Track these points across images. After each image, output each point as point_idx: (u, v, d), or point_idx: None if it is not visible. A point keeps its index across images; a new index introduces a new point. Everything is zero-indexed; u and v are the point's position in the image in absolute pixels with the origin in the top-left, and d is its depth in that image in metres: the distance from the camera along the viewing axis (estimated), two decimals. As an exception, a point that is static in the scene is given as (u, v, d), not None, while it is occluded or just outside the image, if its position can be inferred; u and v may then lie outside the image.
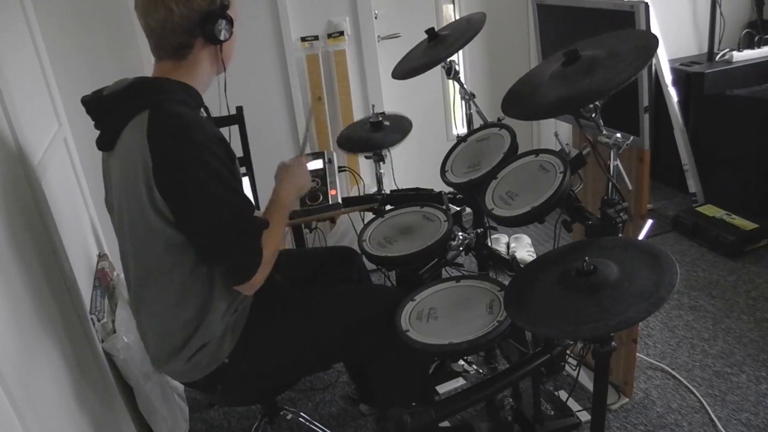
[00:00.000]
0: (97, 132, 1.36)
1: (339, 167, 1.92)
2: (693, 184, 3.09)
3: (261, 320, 1.45)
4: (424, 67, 1.81)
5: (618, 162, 1.34)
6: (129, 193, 1.28)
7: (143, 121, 1.23)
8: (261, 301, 1.47)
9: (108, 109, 1.31)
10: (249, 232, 1.29)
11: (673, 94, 3.01)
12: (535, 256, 2.84)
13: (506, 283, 1.34)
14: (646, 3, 1.44)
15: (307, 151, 1.67)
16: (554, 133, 1.61)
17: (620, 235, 1.36)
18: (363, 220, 2.11)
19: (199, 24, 1.27)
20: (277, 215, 1.42)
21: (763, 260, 2.61)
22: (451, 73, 1.89)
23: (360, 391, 2.09)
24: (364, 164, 2.90)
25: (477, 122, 1.91)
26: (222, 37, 1.30)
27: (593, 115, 1.27)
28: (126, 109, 1.27)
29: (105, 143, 1.34)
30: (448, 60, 1.85)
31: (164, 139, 1.22)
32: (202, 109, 1.39)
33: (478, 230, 1.82)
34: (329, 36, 2.75)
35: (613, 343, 1.24)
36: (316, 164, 1.88)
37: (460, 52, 2.86)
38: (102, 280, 1.81)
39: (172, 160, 1.22)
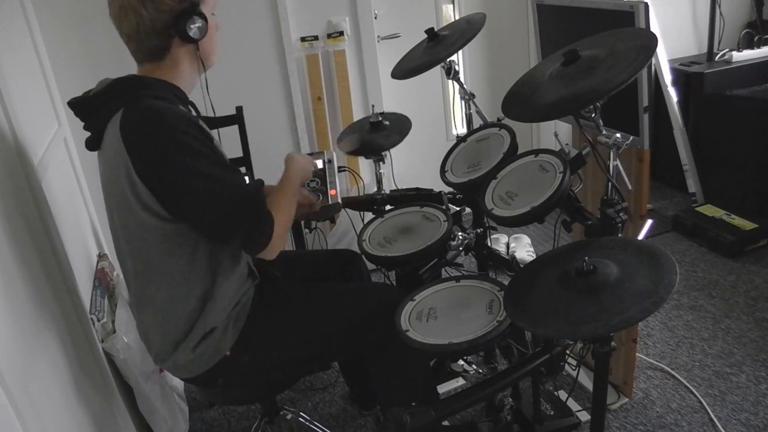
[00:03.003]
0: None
1: (339, 167, 1.91)
2: (693, 184, 3.09)
3: (263, 313, 1.45)
4: (424, 67, 1.81)
5: (618, 162, 1.34)
6: (115, 191, 1.28)
7: (118, 118, 1.24)
8: (263, 294, 1.49)
9: (92, 110, 1.32)
10: (247, 199, 1.29)
11: (672, 94, 3.01)
12: (534, 256, 2.84)
13: (506, 283, 1.34)
14: (646, 3, 1.44)
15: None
16: (554, 133, 1.61)
17: (620, 235, 1.36)
18: (363, 220, 2.11)
19: (172, 24, 1.27)
20: (285, 184, 1.46)
21: (762, 260, 2.61)
22: (451, 73, 1.89)
23: (355, 395, 2.09)
24: (364, 164, 2.90)
25: (477, 122, 1.91)
26: (194, 35, 1.30)
27: (593, 115, 1.27)
28: (107, 108, 1.28)
29: (92, 143, 1.35)
30: (448, 60, 1.85)
31: (136, 131, 1.23)
32: (190, 107, 1.40)
33: (478, 230, 1.82)
34: (329, 36, 2.75)
35: (612, 343, 1.24)
36: (316, 164, 1.88)
37: (460, 52, 2.86)
38: (102, 280, 1.81)
39: (148, 151, 1.22)
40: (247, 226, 1.27)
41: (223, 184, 1.26)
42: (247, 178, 2.42)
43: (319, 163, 1.85)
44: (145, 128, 1.22)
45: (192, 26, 1.29)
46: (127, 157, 1.22)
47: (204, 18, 1.31)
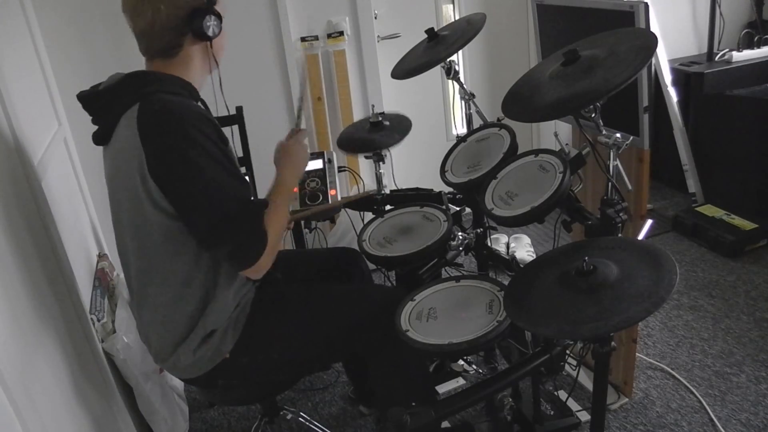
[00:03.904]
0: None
1: (339, 167, 1.91)
2: (693, 184, 3.09)
3: (263, 315, 1.45)
4: (424, 67, 1.81)
5: (618, 162, 1.34)
6: (125, 187, 1.28)
7: (134, 113, 1.24)
8: (263, 296, 1.48)
9: (103, 104, 1.32)
10: (248, 213, 1.28)
11: (672, 94, 3.01)
12: (534, 256, 2.84)
13: (506, 283, 1.34)
14: (646, 3, 1.44)
15: (303, 125, 1.62)
16: (554, 133, 1.61)
17: (620, 235, 1.36)
18: (363, 220, 2.11)
19: (187, 21, 1.27)
20: (280, 198, 1.42)
21: (762, 260, 2.61)
22: (451, 73, 1.89)
23: (358, 391, 2.09)
24: (364, 164, 2.90)
25: (477, 122, 1.91)
26: (211, 33, 1.30)
27: (593, 115, 1.27)
28: (120, 102, 1.27)
29: (100, 137, 1.35)
30: (448, 60, 1.85)
31: (154, 126, 1.22)
32: (199, 103, 1.39)
33: (478, 230, 1.82)
34: (329, 36, 2.75)
35: (612, 343, 1.24)
36: (316, 164, 1.88)
37: (460, 52, 2.86)
38: (102, 280, 1.81)
39: (163, 146, 1.22)
40: (238, 240, 1.27)
41: (226, 190, 1.25)
42: (246, 178, 2.42)
43: (319, 163, 1.85)
44: (163, 123, 1.22)
45: (208, 24, 1.29)
46: (142, 151, 1.21)
47: (219, 16, 1.31)
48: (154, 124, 1.23)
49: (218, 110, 1.52)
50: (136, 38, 1.31)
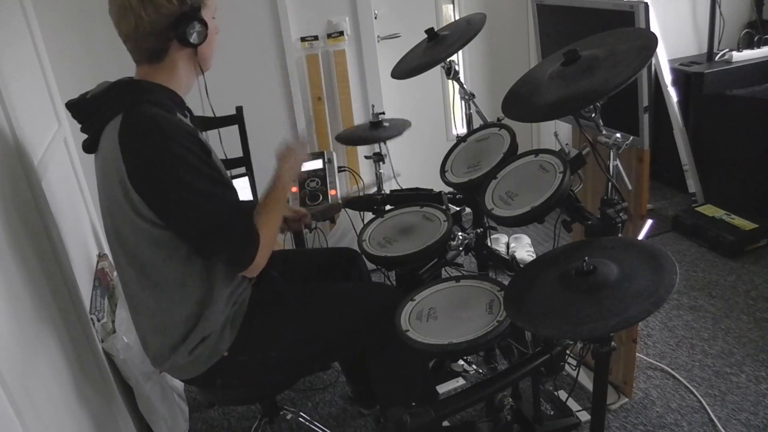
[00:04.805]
0: None
1: (339, 167, 1.91)
2: (693, 184, 3.09)
3: (260, 313, 1.45)
4: (424, 67, 1.81)
5: (618, 162, 1.34)
6: (110, 196, 1.28)
7: (116, 124, 1.24)
8: (260, 294, 1.48)
9: (90, 112, 1.32)
10: (237, 219, 1.28)
11: (672, 94, 3.01)
12: (534, 256, 2.84)
13: (506, 283, 1.34)
14: (646, 3, 1.44)
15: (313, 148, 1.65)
16: (554, 133, 1.61)
17: (620, 235, 1.36)
18: (363, 220, 2.11)
19: (171, 28, 1.27)
20: (274, 194, 1.43)
21: (762, 260, 2.61)
22: (451, 73, 1.89)
23: (355, 393, 2.09)
24: (364, 164, 2.90)
25: (477, 122, 1.91)
26: (193, 40, 1.30)
27: (593, 115, 1.27)
28: (105, 111, 1.28)
29: (88, 146, 1.35)
30: (448, 60, 1.85)
31: (134, 139, 1.22)
32: (186, 112, 1.39)
33: (478, 230, 1.82)
34: (329, 36, 2.75)
35: (612, 343, 1.24)
36: (316, 164, 1.88)
37: (460, 52, 2.86)
38: (102, 280, 1.81)
39: (144, 160, 1.22)
40: (231, 246, 1.28)
41: (212, 201, 1.25)
42: (246, 178, 2.42)
43: (319, 163, 1.85)
44: (143, 136, 1.22)
45: (192, 31, 1.29)
46: (122, 163, 1.22)
47: (204, 23, 1.31)
48: (134, 138, 1.23)
49: (204, 113, 1.53)
50: (123, 42, 1.31)
